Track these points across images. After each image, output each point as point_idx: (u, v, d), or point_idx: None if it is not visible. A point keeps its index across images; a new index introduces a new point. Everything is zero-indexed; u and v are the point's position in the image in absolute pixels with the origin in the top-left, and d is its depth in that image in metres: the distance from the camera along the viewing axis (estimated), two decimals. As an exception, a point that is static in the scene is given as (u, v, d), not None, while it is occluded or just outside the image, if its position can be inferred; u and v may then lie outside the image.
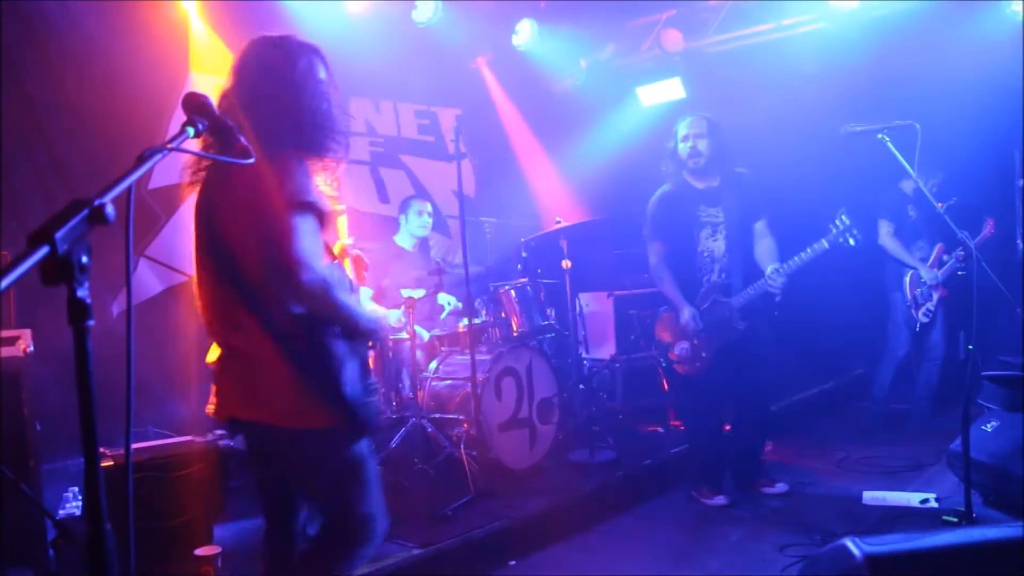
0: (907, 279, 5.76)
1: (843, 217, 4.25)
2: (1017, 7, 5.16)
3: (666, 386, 5.90)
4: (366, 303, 5.42)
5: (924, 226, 5.78)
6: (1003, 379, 4.18)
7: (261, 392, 2.34)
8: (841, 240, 4.26)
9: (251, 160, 1.67)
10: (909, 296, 5.76)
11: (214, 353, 2.47)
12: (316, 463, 2.41)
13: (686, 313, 4.53)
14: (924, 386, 6.00)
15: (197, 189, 2.48)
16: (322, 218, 2.29)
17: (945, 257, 5.70)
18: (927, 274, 5.70)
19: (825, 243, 4.29)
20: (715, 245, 4.59)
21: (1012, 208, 6.61)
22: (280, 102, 2.36)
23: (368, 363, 2.47)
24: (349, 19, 6.15)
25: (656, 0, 6.77)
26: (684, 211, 4.58)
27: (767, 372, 4.70)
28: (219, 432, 3.80)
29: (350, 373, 2.33)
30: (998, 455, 4.08)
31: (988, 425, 4.36)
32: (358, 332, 2.40)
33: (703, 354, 4.54)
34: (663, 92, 7.18)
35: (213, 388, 2.48)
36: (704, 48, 6.79)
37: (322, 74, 2.45)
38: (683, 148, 4.58)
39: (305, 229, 2.21)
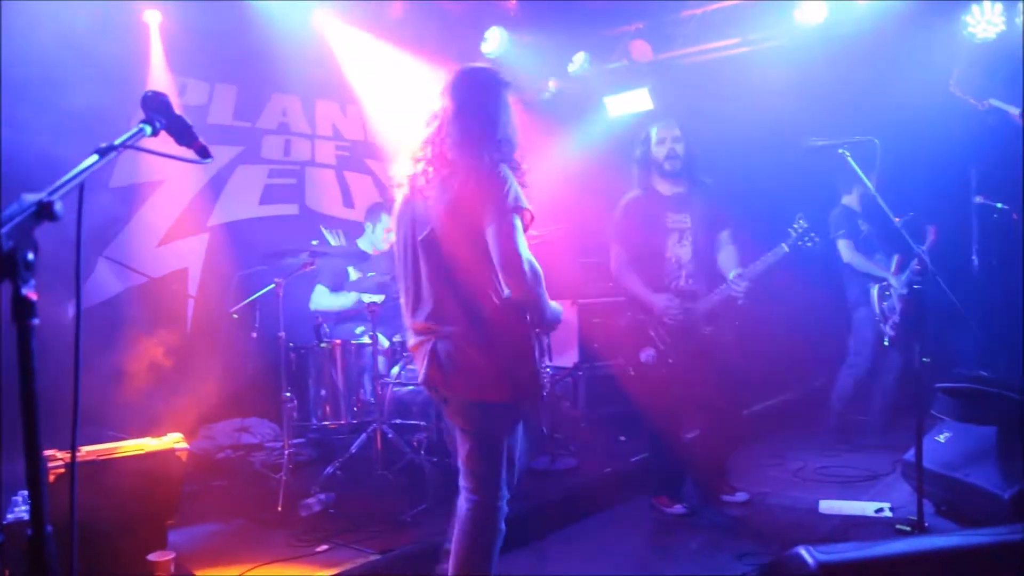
0: (874, 293, 5.83)
1: (801, 221, 4.31)
2: (975, 29, 5.27)
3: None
4: (322, 298, 5.40)
5: (877, 240, 5.86)
6: (956, 391, 4.25)
7: (463, 370, 2.81)
8: (800, 243, 4.31)
9: (210, 159, 1.67)
10: (877, 310, 5.83)
11: (413, 339, 2.96)
12: (498, 431, 2.88)
13: (661, 300, 4.47)
14: (881, 398, 6.08)
15: (401, 198, 2.96)
16: (526, 220, 2.78)
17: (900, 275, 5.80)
18: (896, 282, 5.77)
19: (785, 247, 4.33)
20: (682, 251, 4.59)
21: (968, 225, 6.72)
22: (490, 124, 2.85)
23: (544, 348, 3.01)
24: (315, 23, 6.14)
25: (625, 12, 6.81)
26: (652, 216, 4.58)
27: (734, 378, 4.72)
28: (175, 435, 3.74)
29: (536, 356, 2.89)
30: (950, 465, 4.15)
31: (941, 436, 4.43)
32: (545, 321, 2.91)
33: (669, 360, 4.52)
34: (630, 103, 7.22)
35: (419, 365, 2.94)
36: (672, 60, 6.84)
37: (510, 102, 2.96)
38: (658, 151, 4.57)
39: (520, 228, 2.72)
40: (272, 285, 4.79)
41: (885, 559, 2.44)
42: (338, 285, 5.40)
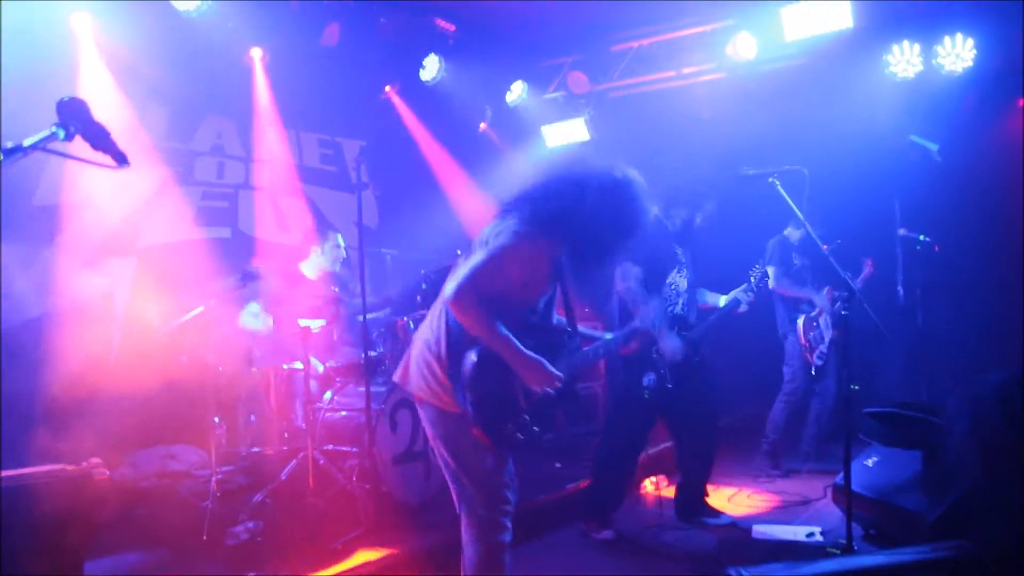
0: (800, 324, 5.94)
1: (756, 267, 4.83)
2: (896, 68, 5.48)
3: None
4: (250, 318, 5.28)
5: (809, 272, 6.00)
6: (883, 415, 4.35)
7: (419, 369, 2.97)
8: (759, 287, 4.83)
9: (127, 165, 1.62)
10: (803, 340, 5.94)
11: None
12: (453, 443, 2.93)
13: (672, 342, 4.55)
14: (814, 424, 6.19)
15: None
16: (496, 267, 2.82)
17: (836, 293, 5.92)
18: (821, 300, 5.89)
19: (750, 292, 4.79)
20: (680, 280, 4.75)
21: (893, 256, 6.94)
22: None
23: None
24: (251, 54, 6.12)
25: (563, 43, 6.91)
26: (667, 245, 4.74)
27: (716, 403, 4.85)
28: (95, 460, 3.59)
29: (493, 385, 2.86)
30: (877, 489, 4.23)
31: (869, 460, 4.52)
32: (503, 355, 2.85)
33: (668, 385, 4.61)
34: (567, 133, 7.30)
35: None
36: (609, 92, 6.95)
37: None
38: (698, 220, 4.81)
39: (486, 268, 2.79)
40: (201, 308, 4.67)
41: (812, 578, 2.46)
42: (281, 317, 5.29)
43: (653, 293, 4.63)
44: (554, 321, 3.15)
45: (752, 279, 4.81)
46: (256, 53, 6.16)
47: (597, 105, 7.08)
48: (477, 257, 2.83)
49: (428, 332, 3.00)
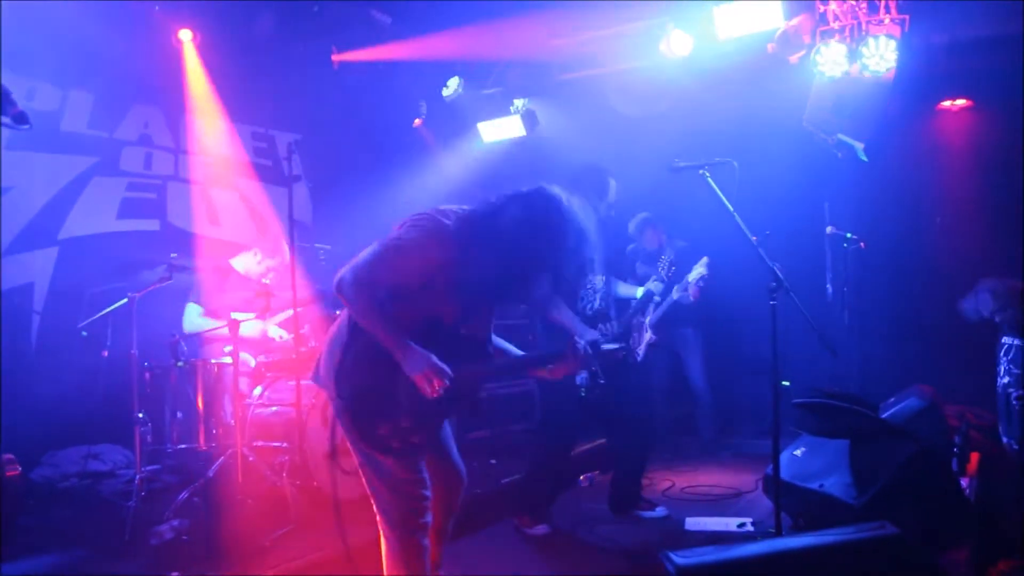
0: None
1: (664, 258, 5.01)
2: (822, 67, 5.58)
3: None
4: (197, 321, 5.15)
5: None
6: (810, 406, 4.42)
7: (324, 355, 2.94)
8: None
9: (27, 126, 1.55)
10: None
11: None
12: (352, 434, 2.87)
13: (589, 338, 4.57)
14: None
15: None
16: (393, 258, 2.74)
17: None
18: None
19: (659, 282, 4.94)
20: (596, 278, 4.75)
21: (822, 254, 7.09)
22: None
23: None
24: (181, 37, 5.96)
25: (501, 39, 6.89)
26: None
27: (651, 398, 4.89)
28: (7, 456, 3.45)
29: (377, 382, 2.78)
30: (806, 477, 4.30)
31: (798, 450, 4.60)
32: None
33: (601, 381, 4.59)
34: (503, 129, 7.29)
35: None
36: (546, 88, 6.96)
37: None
38: (609, 200, 4.77)
39: (379, 257, 2.73)
40: (124, 300, 4.53)
41: (740, 559, 2.49)
42: (212, 309, 5.16)
43: (569, 295, 4.61)
44: (487, 342, 3.02)
45: (661, 270, 4.98)
46: (186, 35, 5.97)
47: (533, 101, 7.09)
48: (372, 246, 2.76)
49: (335, 327, 2.94)
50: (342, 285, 2.72)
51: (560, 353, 3.07)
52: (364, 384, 2.78)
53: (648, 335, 5.38)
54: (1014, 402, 4.26)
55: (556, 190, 2.81)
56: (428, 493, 2.91)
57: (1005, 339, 4.63)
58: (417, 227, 2.77)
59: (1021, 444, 4.48)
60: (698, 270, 5.17)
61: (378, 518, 2.92)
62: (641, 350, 5.40)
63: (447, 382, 2.75)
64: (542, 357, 3.11)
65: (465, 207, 2.87)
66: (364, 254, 2.75)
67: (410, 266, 2.74)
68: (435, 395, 2.73)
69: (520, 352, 3.15)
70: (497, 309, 3.05)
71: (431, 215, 2.80)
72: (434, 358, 2.73)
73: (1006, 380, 4.56)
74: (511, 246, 2.72)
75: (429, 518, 2.93)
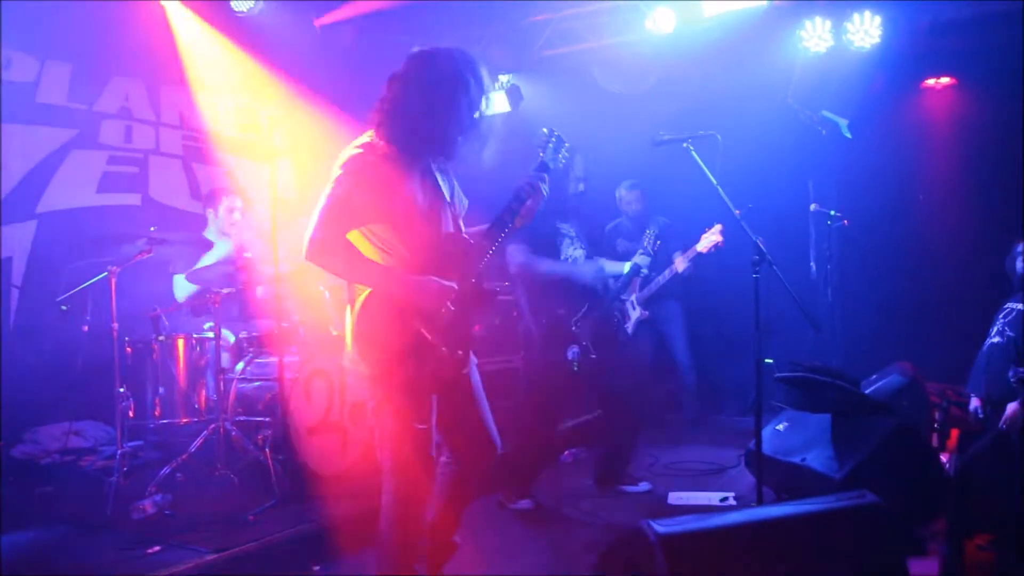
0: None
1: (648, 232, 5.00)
2: (808, 43, 5.59)
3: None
4: (188, 287, 5.10)
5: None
6: (792, 380, 4.45)
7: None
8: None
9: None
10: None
11: None
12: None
13: (591, 268, 4.65)
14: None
15: None
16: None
17: None
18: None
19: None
20: (576, 254, 4.75)
21: (806, 232, 7.11)
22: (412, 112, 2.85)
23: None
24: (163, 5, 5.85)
25: (483, 16, 6.83)
26: (545, 223, 4.66)
27: (641, 373, 4.88)
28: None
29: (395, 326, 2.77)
30: (788, 452, 4.34)
31: (780, 425, 4.63)
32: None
33: (592, 356, 4.61)
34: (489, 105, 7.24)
35: None
36: (530, 64, 6.92)
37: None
38: (575, 177, 4.72)
39: (329, 200, 2.72)
40: (105, 273, 4.48)
41: (721, 528, 2.50)
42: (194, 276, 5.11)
43: None
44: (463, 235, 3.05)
45: (646, 243, 4.98)
46: (170, 4, 5.87)
47: (518, 77, 7.04)
48: (316, 206, 2.74)
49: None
50: (310, 253, 2.70)
51: (517, 189, 3.05)
52: (387, 338, 2.77)
53: (637, 311, 5.39)
54: (1011, 379, 4.27)
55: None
56: (433, 450, 2.93)
57: (1009, 304, 4.66)
58: (344, 165, 2.78)
59: (986, 405, 4.53)
60: (711, 238, 5.15)
61: (384, 469, 2.90)
62: (631, 326, 5.41)
63: (454, 294, 2.79)
64: (509, 205, 3.04)
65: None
66: (313, 215, 2.73)
67: (359, 197, 2.73)
68: (450, 311, 2.79)
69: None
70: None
71: (347, 150, 2.83)
72: (432, 279, 2.77)
73: (996, 340, 4.58)
74: (430, 102, 2.79)
75: (434, 486, 2.96)
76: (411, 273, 2.77)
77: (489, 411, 3.11)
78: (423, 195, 2.86)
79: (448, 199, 2.99)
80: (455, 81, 2.82)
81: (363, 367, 2.82)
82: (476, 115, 2.88)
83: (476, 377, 3.08)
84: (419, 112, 2.78)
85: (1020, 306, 4.64)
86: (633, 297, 5.35)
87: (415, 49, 2.89)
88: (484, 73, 2.92)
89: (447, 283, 2.79)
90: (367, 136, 2.85)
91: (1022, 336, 4.45)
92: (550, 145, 3.18)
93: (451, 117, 2.82)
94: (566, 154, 3.27)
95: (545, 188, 3.09)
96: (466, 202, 3.12)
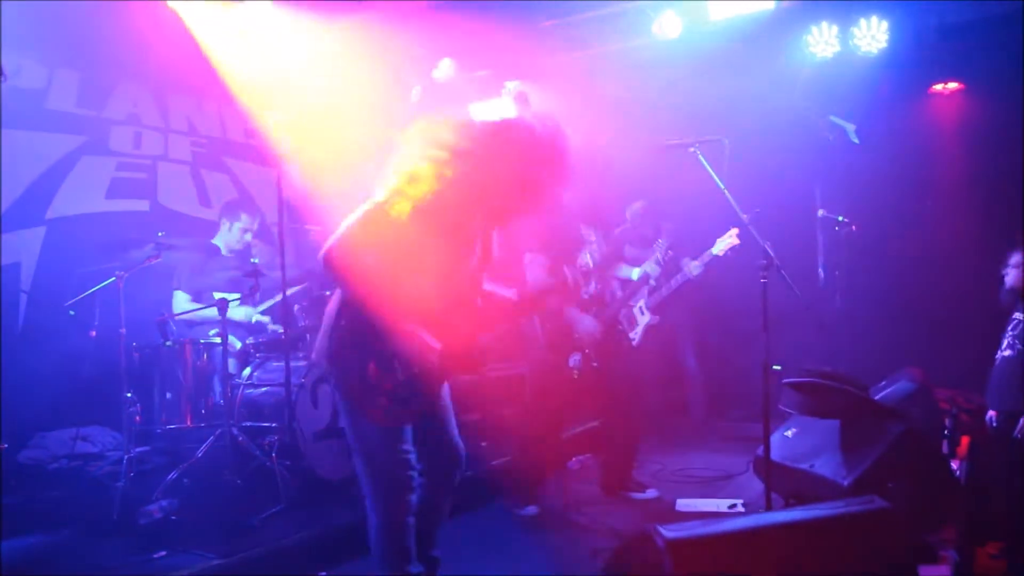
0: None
1: (660, 241, 5.07)
2: (815, 48, 5.58)
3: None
4: (183, 306, 5.11)
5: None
6: (800, 385, 4.43)
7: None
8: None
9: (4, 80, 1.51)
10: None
11: None
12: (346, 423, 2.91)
13: (586, 324, 4.64)
14: None
15: None
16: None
17: None
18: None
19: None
20: (590, 260, 4.78)
21: (813, 237, 7.08)
22: None
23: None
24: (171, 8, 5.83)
25: (490, 20, 6.84)
26: (572, 227, 4.73)
27: (643, 381, 5.00)
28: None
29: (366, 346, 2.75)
30: (796, 458, 4.31)
31: (789, 431, 4.60)
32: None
33: (594, 364, 4.62)
34: (495, 111, 7.25)
35: None
36: (538, 70, 6.93)
37: None
38: None
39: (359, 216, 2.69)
40: (112, 279, 4.49)
41: (729, 533, 2.49)
42: (197, 291, 5.12)
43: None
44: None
45: (658, 253, 5.00)
46: (179, 6, 5.86)
47: (525, 83, 7.05)
48: (353, 213, 2.71)
49: (330, 306, 2.91)
50: (328, 258, 2.68)
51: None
52: (357, 356, 2.75)
53: (647, 316, 5.38)
54: None
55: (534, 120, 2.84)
56: (414, 473, 2.89)
57: (1017, 315, 4.65)
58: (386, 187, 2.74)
59: (1001, 414, 4.52)
60: (727, 240, 5.11)
61: (366, 494, 2.90)
62: (639, 332, 5.40)
63: (434, 357, 2.74)
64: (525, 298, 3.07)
65: None
66: (345, 223, 2.70)
67: (390, 227, 2.67)
68: (429, 363, 2.75)
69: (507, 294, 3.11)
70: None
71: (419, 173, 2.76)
72: (422, 333, 2.72)
73: (1007, 353, 4.57)
74: (499, 169, 2.74)
75: (415, 497, 2.90)
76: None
77: (455, 423, 3.09)
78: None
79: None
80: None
81: (338, 393, 2.83)
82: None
83: (445, 389, 3.05)
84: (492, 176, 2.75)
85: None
86: (642, 303, 5.33)
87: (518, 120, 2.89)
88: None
89: (432, 343, 2.74)
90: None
91: None
92: None
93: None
94: None
95: None
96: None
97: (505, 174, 2.74)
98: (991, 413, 4.56)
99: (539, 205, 2.88)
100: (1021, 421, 4.29)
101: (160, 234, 4.71)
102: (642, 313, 5.36)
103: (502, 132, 2.79)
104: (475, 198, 2.76)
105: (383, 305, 2.69)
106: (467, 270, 2.91)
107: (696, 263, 5.30)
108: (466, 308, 2.89)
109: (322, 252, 2.69)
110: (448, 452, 3.06)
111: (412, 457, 2.88)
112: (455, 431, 3.09)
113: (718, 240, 5.14)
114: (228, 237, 5.39)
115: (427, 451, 2.99)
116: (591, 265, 4.77)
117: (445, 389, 3.05)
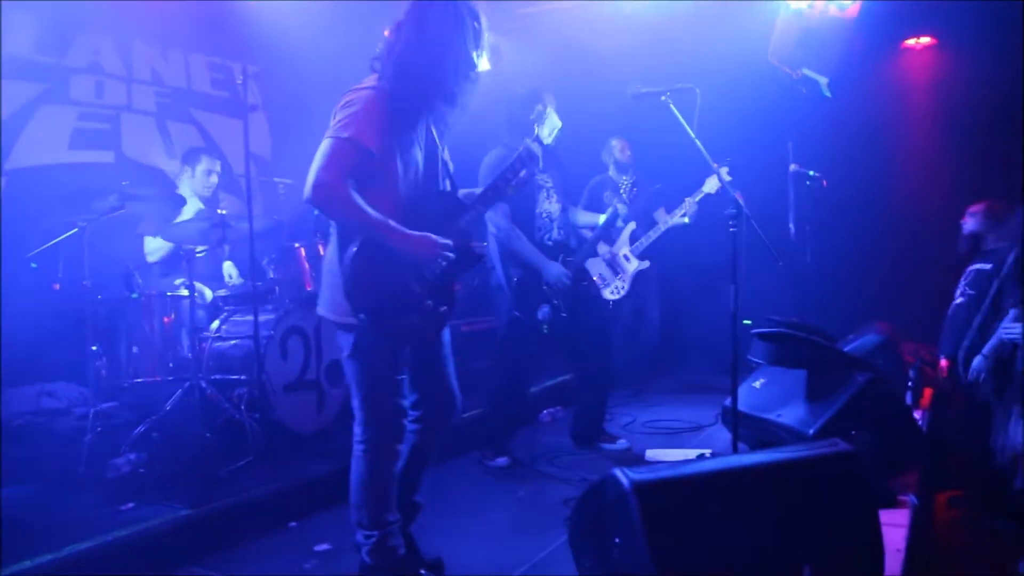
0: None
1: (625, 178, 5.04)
2: (791, 3, 5.53)
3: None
4: (157, 246, 5.03)
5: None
6: (768, 335, 4.45)
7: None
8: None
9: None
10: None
11: None
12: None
13: (554, 270, 4.57)
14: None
15: None
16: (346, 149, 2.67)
17: None
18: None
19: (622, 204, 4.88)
20: (551, 207, 4.71)
21: (785, 193, 7.09)
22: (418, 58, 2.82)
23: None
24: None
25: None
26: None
27: (612, 331, 5.04)
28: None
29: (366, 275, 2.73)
30: (763, 408, 4.36)
31: (757, 382, 4.65)
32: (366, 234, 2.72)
33: (563, 314, 4.60)
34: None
35: None
36: (511, 19, 6.84)
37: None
38: (548, 124, 4.62)
39: (329, 152, 2.66)
40: (75, 230, 4.40)
41: (694, 475, 2.50)
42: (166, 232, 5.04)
43: (523, 225, 4.60)
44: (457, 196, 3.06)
45: (623, 192, 5.04)
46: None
47: (499, 35, 6.95)
48: (321, 147, 2.70)
49: (328, 254, 2.90)
50: (314, 194, 2.66)
51: (516, 158, 3.04)
52: (379, 281, 2.73)
53: (635, 262, 5.38)
54: (1004, 337, 4.30)
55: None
56: (406, 402, 2.98)
57: (972, 266, 4.74)
58: (349, 103, 2.73)
59: (953, 362, 4.62)
60: (713, 183, 5.10)
61: (356, 420, 2.92)
62: (627, 280, 5.40)
63: (449, 253, 2.80)
64: (505, 173, 3.04)
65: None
66: (318, 157, 2.68)
67: (365, 137, 2.69)
68: (442, 266, 2.80)
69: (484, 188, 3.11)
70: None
71: (353, 89, 2.79)
72: (431, 236, 2.77)
73: (959, 300, 4.66)
74: (433, 46, 2.78)
75: (405, 447, 2.98)
76: (400, 225, 2.74)
77: (454, 370, 3.14)
78: (422, 147, 2.88)
79: (443, 156, 3.00)
80: (458, 26, 2.81)
81: (345, 315, 2.79)
82: (476, 58, 2.88)
83: (447, 336, 3.11)
84: (422, 56, 2.77)
85: (980, 266, 4.69)
86: (627, 249, 5.32)
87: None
88: (483, 18, 2.91)
89: (443, 240, 2.79)
90: (371, 80, 2.82)
91: (985, 294, 4.51)
92: (543, 115, 3.18)
93: (454, 61, 2.81)
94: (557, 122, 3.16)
95: (540, 160, 3.09)
96: (451, 166, 3.09)
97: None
98: (943, 363, 4.65)
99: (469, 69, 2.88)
100: (974, 363, 4.37)
101: (125, 183, 4.61)
102: (627, 260, 5.35)
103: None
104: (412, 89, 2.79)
105: (382, 223, 2.69)
106: (439, 171, 2.97)
107: (680, 210, 5.30)
108: (450, 212, 2.95)
109: (306, 193, 2.67)
110: (445, 396, 3.11)
111: (403, 380, 2.96)
112: (453, 376, 3.13)
113: (707, 180, 5.13)
114: (194, 183, 5.33)
115: (425, 394, 3.06)
116: (555, 211, 4.73)
117: (446, 334, 3.10)
